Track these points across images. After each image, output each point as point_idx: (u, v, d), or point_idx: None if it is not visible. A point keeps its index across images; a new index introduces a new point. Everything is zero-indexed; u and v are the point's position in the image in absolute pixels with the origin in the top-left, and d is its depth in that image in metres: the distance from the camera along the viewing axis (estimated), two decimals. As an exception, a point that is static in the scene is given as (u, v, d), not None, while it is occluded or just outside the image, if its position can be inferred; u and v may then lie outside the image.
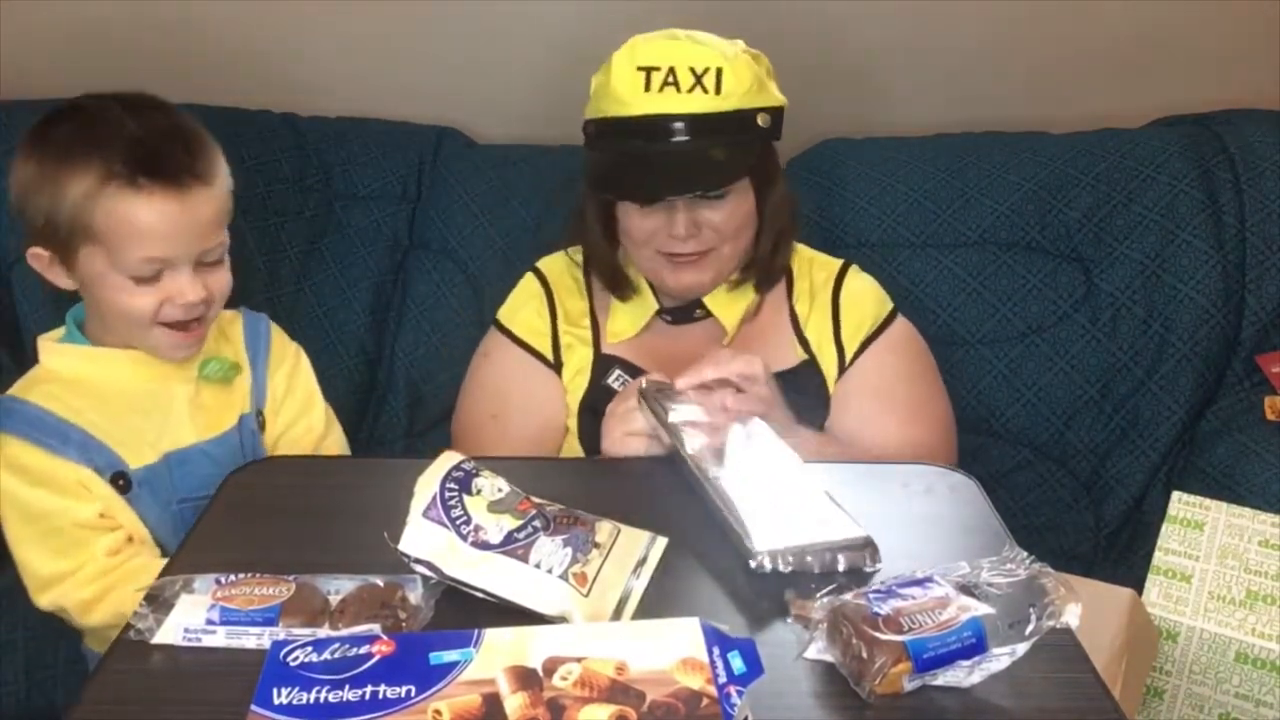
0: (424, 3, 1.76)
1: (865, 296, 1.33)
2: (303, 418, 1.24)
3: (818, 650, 0.75)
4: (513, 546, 0.80)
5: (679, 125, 1.17)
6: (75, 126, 1.05)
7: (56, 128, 1.06)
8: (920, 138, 1.78)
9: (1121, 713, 0.72)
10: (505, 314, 1.36)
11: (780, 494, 0.92)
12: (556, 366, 1.32)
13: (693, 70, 1.17)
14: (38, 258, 1.08)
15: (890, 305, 1.34)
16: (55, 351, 1.13)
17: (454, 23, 1.79)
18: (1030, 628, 0.72)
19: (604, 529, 0.86)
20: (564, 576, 0.79)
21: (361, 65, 1.83)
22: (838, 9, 1.77)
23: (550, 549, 0.81)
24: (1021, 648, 0.72)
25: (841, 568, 0.85)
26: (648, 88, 1.17)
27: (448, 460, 0.83)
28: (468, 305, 1.73)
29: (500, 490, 0.83)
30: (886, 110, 1.85)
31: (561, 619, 0.78)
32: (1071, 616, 0.73)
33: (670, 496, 0.97)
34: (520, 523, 0.81)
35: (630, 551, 0.86)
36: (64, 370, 1.12)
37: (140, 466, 1.10)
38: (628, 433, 1.07)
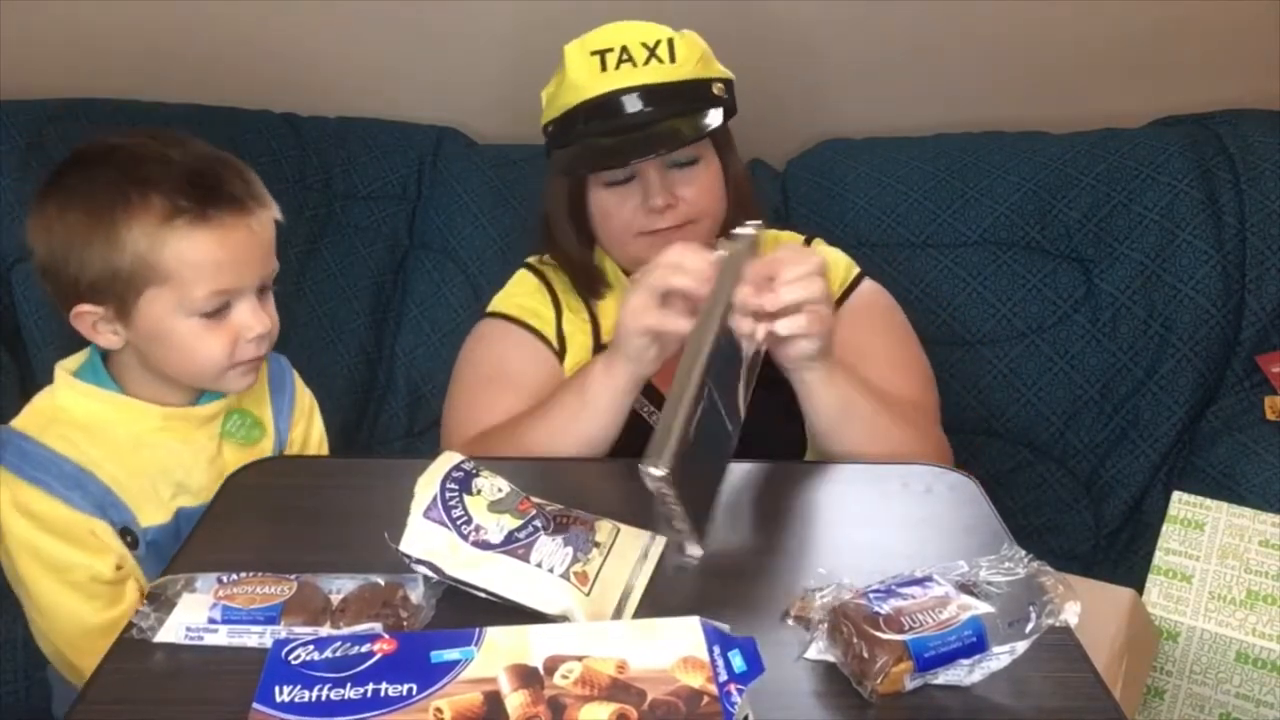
0: (424, 3, 1.76)
1: (832, 264, 1.34)
2: None
3: (818, 650, 0.75)
4: (514, 546, 0.80)
5: (640, 96, 1.20)
6: (117, 166, 0.97)
7: (93, 173, 0.98)
8: (920, 138, 1.78)
9: (1121, 713, 0.72)
10: (499, 303, 1.34)
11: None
12: (560, 353, 1.30)
13: (644, 45, 1.20)
14: (84, 316, 1.00)
15: (856, 269, 1.35)
16: (73, 389, 1.05)
17: (454, 23, 1.79)
18: (1030, 626, 0.72)
19: (604, 528, 0.86)
20: (565, 575, 0.80)
21: (361, 65, 1.83)
22: (839, 9, 1.77)
23: (551, 548, 0.81)
24: (1021, 646, 0.72)
25: None
26: (604, 68, 1.20)
27: (448, 460, 0.83)
28: (468, 305, 1.73)
29: (500, 490, 0.83)
30: (886, 110, 1.85)
31: (563, 618, 0.78)
32: (1070, 615, 0.73)
33: None
34: (520, 522, 0.81)
35: (630, 550, 0.86)
36: (80, 413, 1.04)
37: (150, 526, 1.04)
38: (640, 303, 0.99)
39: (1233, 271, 1.61)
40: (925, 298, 1.65)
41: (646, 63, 1.19)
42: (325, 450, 1.24)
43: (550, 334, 1.30)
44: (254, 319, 1.02)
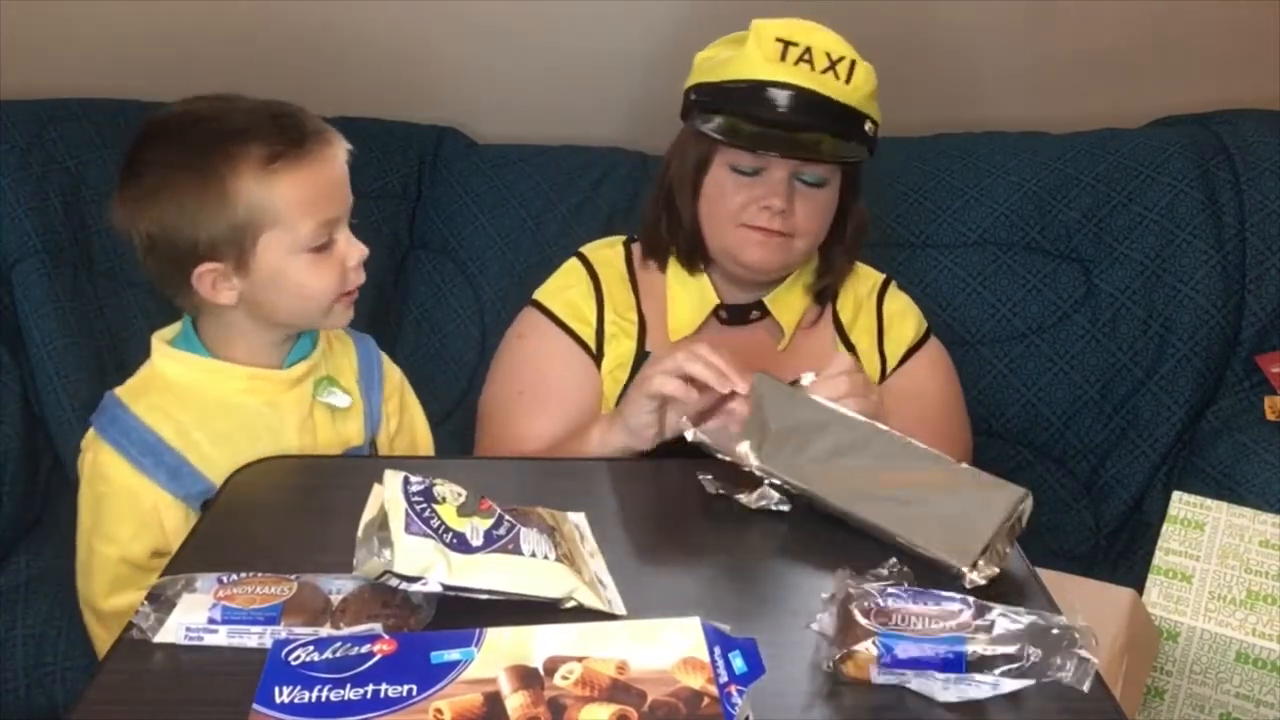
0: (425, 3, 1.76)
1: (907, 312, 1.37)
2: (412, 452, 1.24)
3: (819, 625, 0.75)
4: (502, 543, 0.80)
5: (805, 100, 1.19)
6: (205, 127, 1.02)
7: (184, 140, 1.02)
8: (920, 138, 1.78)
9: (1121, 713, 0.73)
10: (545, 295, 1.34)
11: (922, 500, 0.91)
12: (598, 357, 1.30)
13: (828, 54, 1.20)
14: (206, 275, 1.03)
15: (925, 325, 1.38)
16: (168, 355, 1.09)
17: (454, 23, 1.79)
18: (1025, 667, 0.71)
19: (543, 514, 0.87)
20: (559, 560, 0.80)
21: (361, 65, 1.83)
22: (836, 9, 1.77)
23: (535, 538, 0.81)
24: (1008, 685, 0.71)
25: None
26: (784, 58, 1.20)
27: (395, 478, 0.82)
28: (468, 305, 1.73)
29: (460, 494, 0.82)
30: (887, 110, 1.84)
31: (569, 599, 0.79)
32: (1084, 680, 0.72)
33: (642, 490, 0.97)
34: (492, 521, 0.81)
35: (574, 531, 0.88)
36: (174, 377, 1.08)
37: None
38: (663, 371, 1.04)
39: (1233, 271, 1.61)
40: (925, 298, 1.64)
41: (824, 72, 1.20)
42: (423, 419, 1.28)
43: (589, 336, 1.30)
44: (352, 247, 1.07)
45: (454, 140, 1.83)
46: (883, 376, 1.32)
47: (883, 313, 1.35)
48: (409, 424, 1.26)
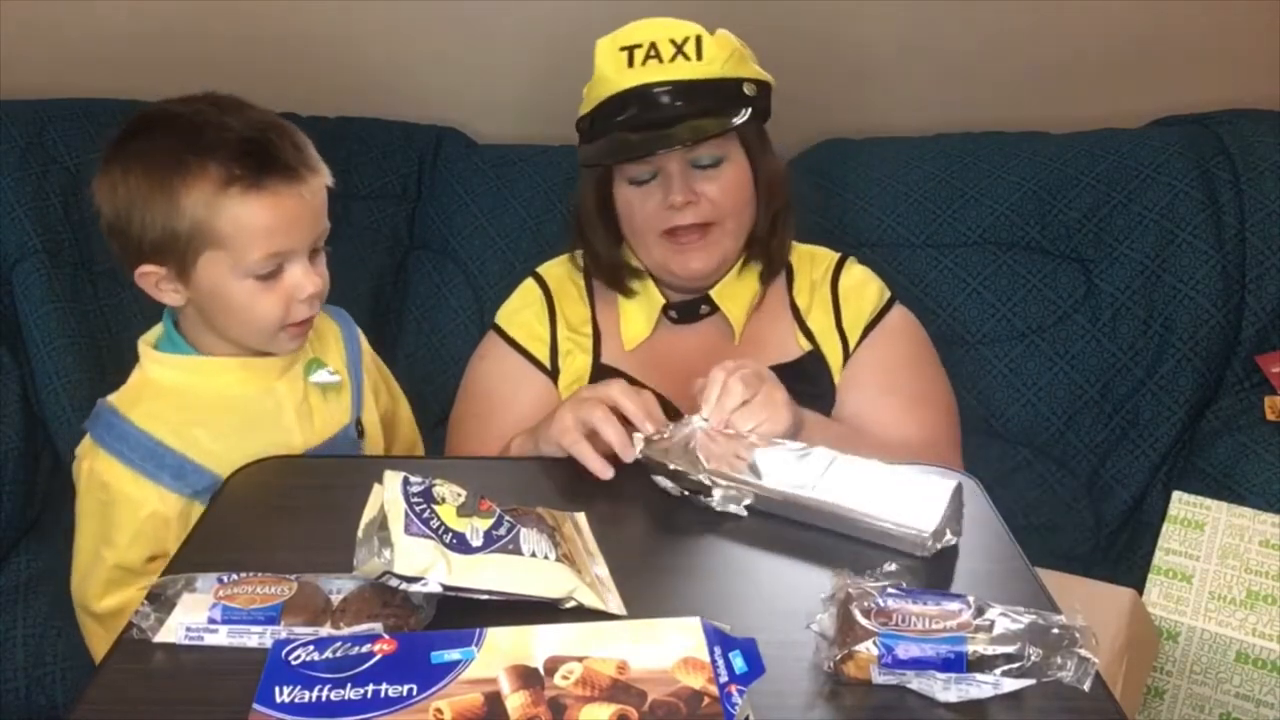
0: (424, 3, 1.77)
1: (863, 286, 1.34)
2: (392, 429, 1.26)
3: (819, 625, 0.75)
4: (502, 543, 0.80)
5: (665, 92, 1.20)
6: (177, 133, 1.01)
7: (155, 138, 1.02)
8: (920, 138, 1.78)
9: (1122, 713, 0.72)
10: (503, 317, 1.36)
11: (868, 486, 0.92)
12: (553, 373, 1.31)
13: (673, 41, 1.20)
14: (148, 275, 1.04)
15: (888, 293, 1.35)
16: (157, 360, 1.10)
17: (454, 23, 1.79)
18: (1026, 667, 0.71)
19: (543, 514, 0.87)
20: (559, 560, 0.80)
21: (361, 65, 1.83)
22: (838, 9, 1.77)
23: (535, 538, 0.81)
24: (1009, 685, 0.71)
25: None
26: (631, 63, 1.20)
27: (395, 478, 0.82)
28: (468, 305, 1.73)
29: (459, 495, 0.82)
30: (886, 110, 1.85)
31: (569, 599, 0.79)
32: (1085, 679, 0.72)
33: (633, 489, 0.97)
34: (492, 521, 0.81)
35: (574, 531, 0.88)
36: (167, 381, 1.09)
37: None
38: (581, 419, 1.02)
39: (1233, 271, 1.61)
40: (925, 297, 1.65)
41: (673, 60, 1.20)
42: (400, 392, 1.31)
43: (544, 355, 1.32)
44: (306, 279, 1.05)
45: (454, 140, 1.83)
46: (845, 354, 1.30)
47: (838, 290, 1.33)
48: (389, 405, 1.28)
